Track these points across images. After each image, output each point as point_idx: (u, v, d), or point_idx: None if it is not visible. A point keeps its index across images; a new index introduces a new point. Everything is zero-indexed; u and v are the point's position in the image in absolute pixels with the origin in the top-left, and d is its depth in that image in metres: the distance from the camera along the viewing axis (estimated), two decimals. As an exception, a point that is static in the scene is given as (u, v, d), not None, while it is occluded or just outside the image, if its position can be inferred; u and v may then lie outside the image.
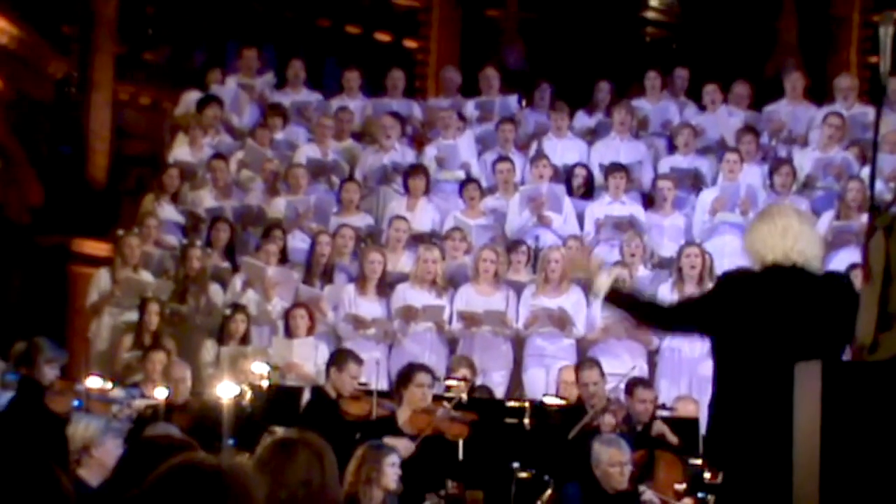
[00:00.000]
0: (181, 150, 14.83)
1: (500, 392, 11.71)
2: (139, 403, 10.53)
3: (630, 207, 13.53)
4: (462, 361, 11.40)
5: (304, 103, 15.55)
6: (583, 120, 15.50)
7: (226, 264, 13.17)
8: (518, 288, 12.42)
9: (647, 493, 9.24)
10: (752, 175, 13.82)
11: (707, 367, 11.81)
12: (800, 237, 6.08)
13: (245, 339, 12.05)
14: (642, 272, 12.75)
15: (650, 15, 19.30)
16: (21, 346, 10.61)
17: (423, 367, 10.00)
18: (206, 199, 14.00)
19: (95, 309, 12.88)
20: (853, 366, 5.32)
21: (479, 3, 19.33)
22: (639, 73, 16.05)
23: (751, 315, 6.00)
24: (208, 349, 12.26)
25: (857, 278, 11.04)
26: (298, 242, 13.33)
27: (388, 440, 8.80)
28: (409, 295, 12.26)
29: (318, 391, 10.40)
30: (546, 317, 12.04)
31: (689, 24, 19.14)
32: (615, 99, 15.53)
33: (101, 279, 12.95)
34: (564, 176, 14.18)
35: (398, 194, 14.08)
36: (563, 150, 14.68)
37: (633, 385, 10.51)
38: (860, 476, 4.97)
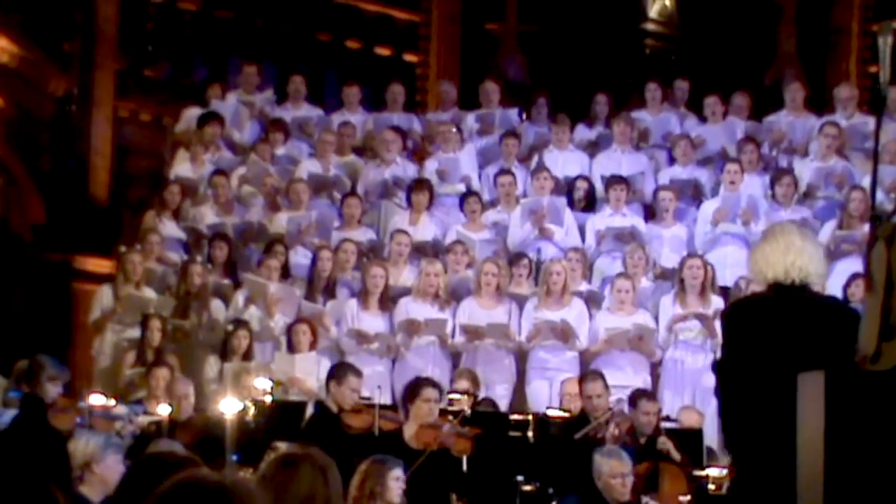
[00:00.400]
0: (182, 167, 14.83)
1: (503, 405, 11.70)
2: (142, 420, 10.54)
3: (631, 219, 13.53)
4: (464, 374, 11.40)
5: (306, 118, 15.56)
6: (583, 132, 15.50)
7: (226, 281, 13.17)
8: (520, 301, 12.42)
9: (651, 506, 9.24)
10: (753, 185, 13.82)
11: (710, 379, 11.89)
12: (801, 254, 6.07)
13: (248, 355, 12.04)
14: (644, 284, 12.76)
15: (650, 27, 19.30)
16: (24, 363, 10.62)
17: (431, 382, 9.98)
18: (208, 216, 14.00)
19: (98, 326, 12.89)
20: (856, 376, 5.32)
21: (478, 17, 19.32)
22: (639, 84, 16.05)
23: (754, 338, 6.03)
24: (211, 365, 12.26)
25: (859, 288, 11.13)
26: (300, 258, 13.33)
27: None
28: (412, 309, 12.26)
29: (320, 406, 10.40)
30: (549, 329, 12.04)
31: (689, 36, 19.14)
32: (614, 111, 15.53)
33: (104, 296, 12.95)
34: (566, 188, 14.18)
35: (400, 208, 14.08)
36: (565, 162, 14.69)
37: (636, 397, 10.50)
38: (863, 485, 4.97)
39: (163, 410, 10.41)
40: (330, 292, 12.76)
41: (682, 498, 9.28)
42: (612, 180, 13.77)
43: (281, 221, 13.68)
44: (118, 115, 17.55)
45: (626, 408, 10.52)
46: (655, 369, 12.26)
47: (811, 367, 5.66)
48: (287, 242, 13.29)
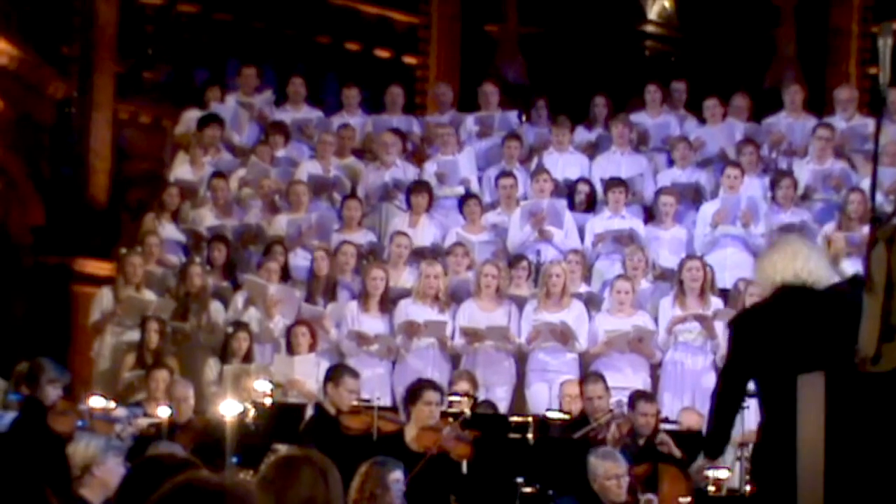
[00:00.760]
0: (182, 169, 14.83)
1: (503, 407, 11.69)
2: (142, 422, 10.52)
3: (630, 221, 13.52)
4: (463, 375, 11.39)
5: (305, 120, 15.55)
6: (583, 134, 15.49)
7: (225, 283, 13.17)
8: (520, 303, 12.41)
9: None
10: (753, 187, 13.80)
11: (709, 380, 11.89)
12: (809, 258, 6.22)
13: (247, 357, 12.04)
14: (644, 285, 12.75)
15: (649, 28, 19.30)
16: (24, 366, 10.60)
17: (432, 385, 9.95)
18: (207, 218, 14.00)
19: (97, 328, 12.88)
20: (856, 377, 5.32)
21: (478, 19, 19.33)
22: (638, 86, 16.03)
23: (766, 342, 6.07)
24: (211, 367, 12.26)
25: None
26: (300, 260, 13.33)
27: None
28: (412, 311, 12.26)
29: (319, 408, 10.39)
30: (548, 331, 12.03)
31: (688, 37, 19.14)
32: (612, 113, 15.51)
33: (104, 298, 12.94)
34: (566, 190, 14.17)
35: (400, 210, 14.08)
36: (565, 164, 14.67)
37: (635, 398, 10.51)
38: (864, 486, 4.96)
39: (162, 413, 10.40)
40: (330, 294, 12.75)
41: (681, 500, 9.27)
42: (612, 182, 13.76)
43: (280, 224, 13.67)
44: (117, 117, 17.55)
45: (626, 409, 10.52)
46: (655, 371, 12.25)
47: (824, 363, 5.70)
48: (287, 245, 13.28)
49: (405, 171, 14.48)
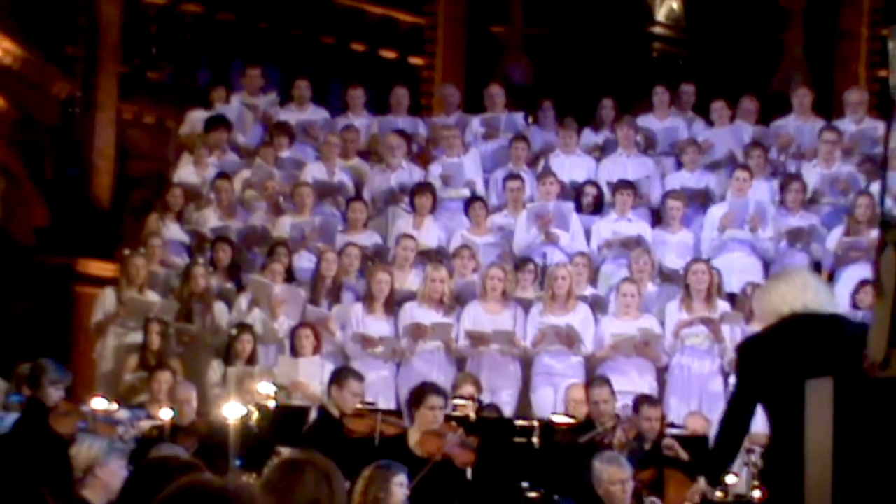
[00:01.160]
0: (186, 170, 14.82)
1: (508, 411, 11.66)
2: (144, 424, 10.50)
3: (636, 224, 13.48)
4: (467, 378, 11.35)
5: (310, 121, 15.52)
6: (590, 137, 15.45)
7: (229, 284, 13.14)
8: (526, 306, 12.38)
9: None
10: (761, 190, 13.76)
11: (716, 384, 11.87)
12: (818, 290, 6.32)
13: (252, 360, 12.00)
14: (650, 288, 12.71)
15: (657, 30, 19.27)
16: (26, 367, 10.58)
17: (436, 389, 9.88)
18: (211, 219, 13.98)
19: (100, 329, 12.85)
20: (865, 382, 5.28)
21: (483, 20, 19.31)
22: (646, 88, 15.99)
23: (775, 362, 6.08)
24: (214, 369, 12.22)
25: (867, 295, 11.09)
26: (305, 262, 13.29)
27: None
28: (417, 313, 12.23)
29: (322, 411, 10.36)
30: (554, 335, 11.99)
31: (696, 39, 19.11)
32: (619, 115, 15.48)
33: (107, 299, 12.91)
34: (573, 193, 14.14)
35: (406, 212, 14.04)
36: (572, 166, 14.65)
37: (639, 402, 10.48)
38: (872, 493, 4.93)
39: (165, 415, 10.38)
40: (335, 296, 12.72)
41: (687, 504, 9.24)
42: (619, 185, 13.73)
43: (284, 226, 13.64)
44: (121, 117, 17.56)
45: (631, 413, 10.49)
46: (661, 375, 12.21)
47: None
48: (291, 248, 13.25)
49: (411, 174, 14.44)
